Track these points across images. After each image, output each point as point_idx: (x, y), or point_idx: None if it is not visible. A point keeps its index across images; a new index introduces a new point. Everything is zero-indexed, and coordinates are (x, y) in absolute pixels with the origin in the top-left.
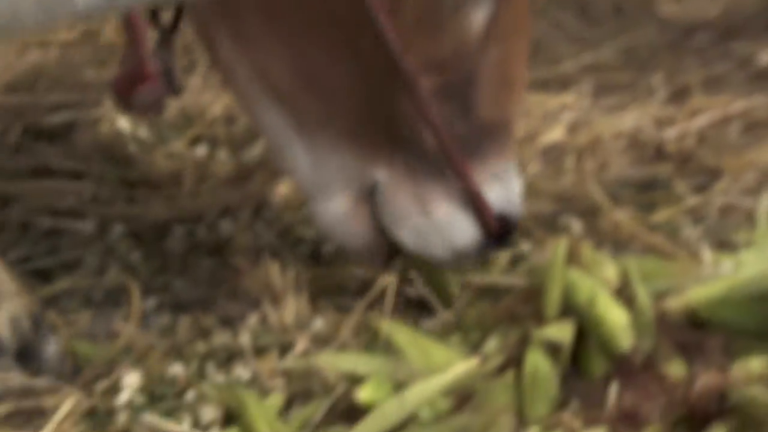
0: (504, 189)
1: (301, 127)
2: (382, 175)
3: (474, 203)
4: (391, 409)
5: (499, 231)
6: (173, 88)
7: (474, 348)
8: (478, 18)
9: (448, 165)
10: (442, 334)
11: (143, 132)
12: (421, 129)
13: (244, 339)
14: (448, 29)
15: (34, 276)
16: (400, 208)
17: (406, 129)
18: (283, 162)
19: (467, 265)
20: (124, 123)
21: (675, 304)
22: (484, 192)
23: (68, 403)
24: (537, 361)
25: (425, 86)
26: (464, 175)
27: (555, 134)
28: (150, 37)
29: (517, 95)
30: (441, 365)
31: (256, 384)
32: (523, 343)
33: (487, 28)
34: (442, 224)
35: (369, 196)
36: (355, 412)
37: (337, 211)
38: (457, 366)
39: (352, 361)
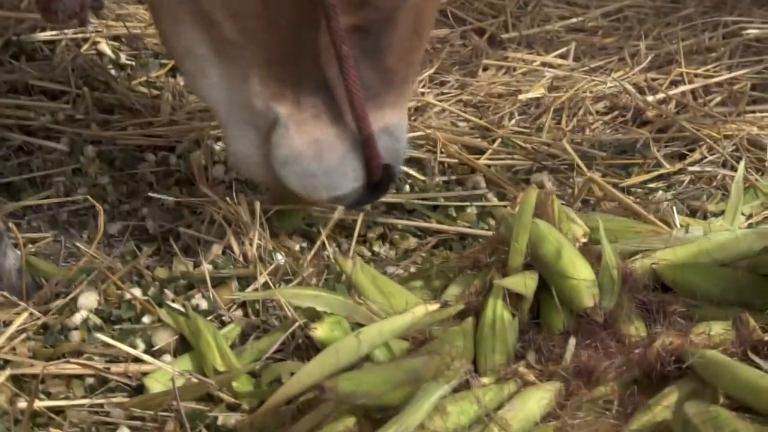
0: (394, 141)
1: (217, 51)
2: (285, 111)
3: (365, 151)
4: (346, 348)
5: (380, 181)
6: (96, 1)
7: (436, 294)
8: None
9: (351, 108)
10: (406, 279)
11: (124, 57)
12: (331, 69)
13: (206, 269)
14: None
15: (2, 191)
16: (294, 149)
17: (318, 67)
18: (199, 88)
19: (345, 208)
20: (105, 47)
21: (641, 265)
22: (378, 141)
23: (21, 318)
24: (497, 310)
25: (342, 22)
26: (362, 116)
27: (535, 92)
28: None
29: (423, 47)
30: (400, 308)
31: (213, 314)
32: (486, 291)
33: None
34: (330, 170)
35: (270, 130)
36: (310, 349)
37: (242, 145)
38: (415, 309)
39: (310, 298)
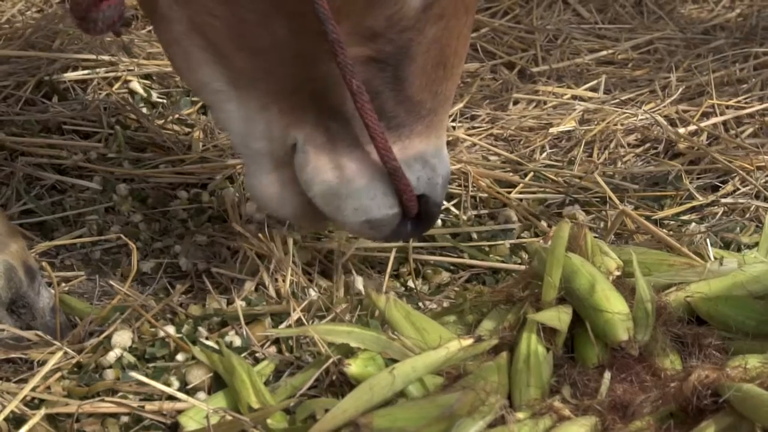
0: (428, 171)
1: (232, 84)
2: (303, 137)
3: (393, 179)
4: (380, 384)
5: (418, 212)
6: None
7: (469, 329)
8: None
9: (372, 140)
10: (439, 314)
11: (155, 95)
12: (346, 97)
13: (239, 306)
14: (379, 2)
15: (36, 230)
16: (317, 168)
17: (335, 98)
18: (218, 119)
19: (383, 239)
20: (137, 85)
21: (675, 298)
22: (404, 169)
23: (55, 358)
24: (531, 345)
25: (352, 53)
26: (383, 147)
27: (566, 125)
28: None
29: (453, 80)
30: (434, 343)
31: (247, 351)
32: (520, 326)
33: (424, 6)
34: (357, 192)
35: (290, 158)
36: (344, 385)
37: (261, 176)
38: (449, 344)
39: (344, 334)
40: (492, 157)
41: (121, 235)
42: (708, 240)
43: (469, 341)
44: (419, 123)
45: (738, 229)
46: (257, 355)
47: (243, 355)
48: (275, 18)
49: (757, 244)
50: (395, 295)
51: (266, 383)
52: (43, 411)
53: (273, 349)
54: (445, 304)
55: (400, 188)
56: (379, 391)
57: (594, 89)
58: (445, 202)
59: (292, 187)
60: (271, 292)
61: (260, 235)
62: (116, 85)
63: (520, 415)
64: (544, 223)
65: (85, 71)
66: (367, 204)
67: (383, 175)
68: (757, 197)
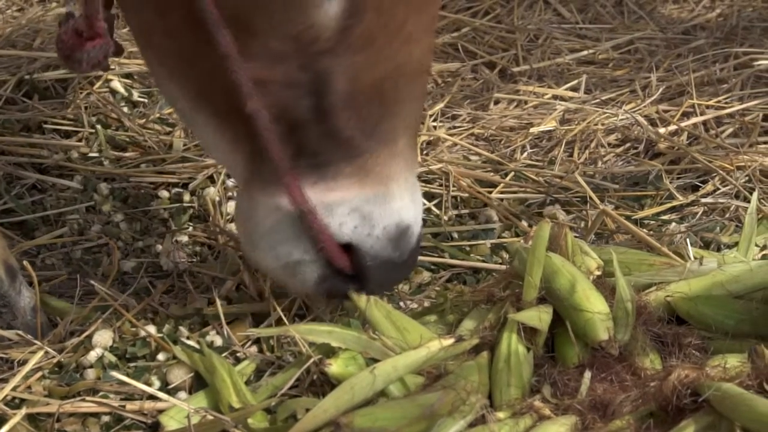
0: (357, 220)
1: (189, 103)
2: (240, 168)
3: (302, 219)
4: (361, 383)
5: (348, 263)
6: (117, 47)
7: (450, 328)
8: (327, 13)
9: (279, 174)
10: (420, 313)
11: (136, 95)
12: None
13: (219, 305)
14: (283, 18)
15: (16, 229)
16: (238, 206)
17: (253, 134)
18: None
19: (317, 293)
20: (118, 84)
21: (655, 297)
22: (324, 213)
23: (36, 357)
24: (512, 345)
25: (264, 75)
26: (287, 182)
27: (547, 125)
28: None
29: (396, 118)
30: (415, 343)
31: (228, 351)
32: (500, 326)
33: (343, 28)
34: (267, 232)
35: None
36: (325, 385)
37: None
38: (430, 344)
39: (325, 333)
40: (473, 157)
41: (102, 235)
42: (688, 240)
43: (450, 341)
44: (348, 164)
45: (718, 228)
46: (238, 354)
47: (224, 354)
48: (200, 56)
49: (736, 243)
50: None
51: (247, 383)
52: (24, 410)
53: (254, 349)
54: (426, 304)
55: (312, 232)
56: (360, 390)
57: (575, 89)
58: (426, 202)
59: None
60: (252, 291)
61: None
62: (97, 84)
63: (501, 414)
64: (524, 223)
65: (66, 70)
66: (278, 247)
67: (297, 219)
68: (737, 197)
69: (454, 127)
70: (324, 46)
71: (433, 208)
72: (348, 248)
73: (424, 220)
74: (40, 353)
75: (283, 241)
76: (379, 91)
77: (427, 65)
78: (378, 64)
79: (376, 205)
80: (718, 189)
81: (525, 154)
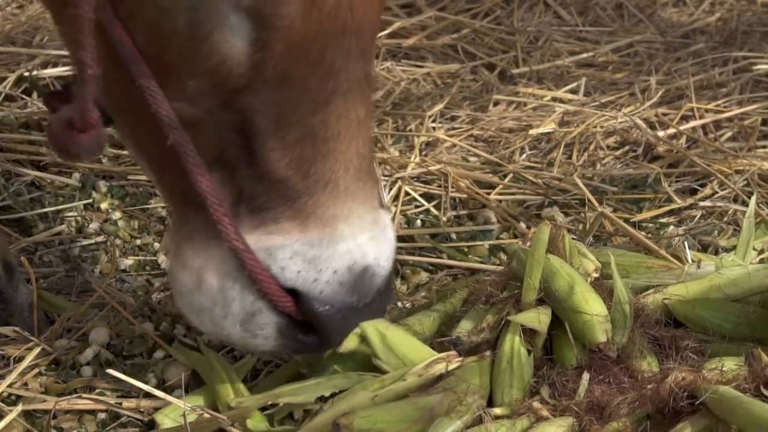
0: (301, 264)
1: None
2: (174, 221)
3: (242, 266)
4: (361, 404)
5: (293, 308)
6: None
7: (448, 328)
8: (234, 47)
9: (216, 222)
10: (412, 311)
11: None
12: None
13: None
14: (192, 53)
15: (14, 226)
16: (178, 279)
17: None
18: None
19: (280, 349)
20: None
21: (653, 300)
22: (265, 258)
23: (33, 354)
24: (514, 346)
25: (190, 114)
26: (224, 227)
27: (546, 127)
28: None
29: (334, 158)
30: (416, 363)
31: (226, 349)
32: (501, 327)
33: (255, 63)
34: (214, 296)
35: None
36: None
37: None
38: (434, 369)
39: (314, 387)
40: (472, 158)
41: (100, 232)
42: (686, 243)
43: (456, 363)
44: (287, 206)
45: (716, 232)
46: (236, 353)
47: (221, 353)
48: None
49: (734, 247)
50: None
51: (244, 381)
52: (20, 407)
53: None
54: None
55: (254, 278)
56: (360, 395)
57: (574, 91)
58: (425, 203)
59: None
60: None
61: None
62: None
63: (498, 411)
64: (523, 225)
65: (66, 67)
66: (231, 304)
67: (238, 270)
68: (735, 201)
69: (453, 128)
70: (240, 82)
71: (432, 209)
72: (296, 295)
73: (423, 221)
74: (37, 350)
75: (233, 297)
76: (309, 129)
77: (364, 95)
78: (302, 100)
79: (321, 248)
80: (717, 192)
81: (524, 156)
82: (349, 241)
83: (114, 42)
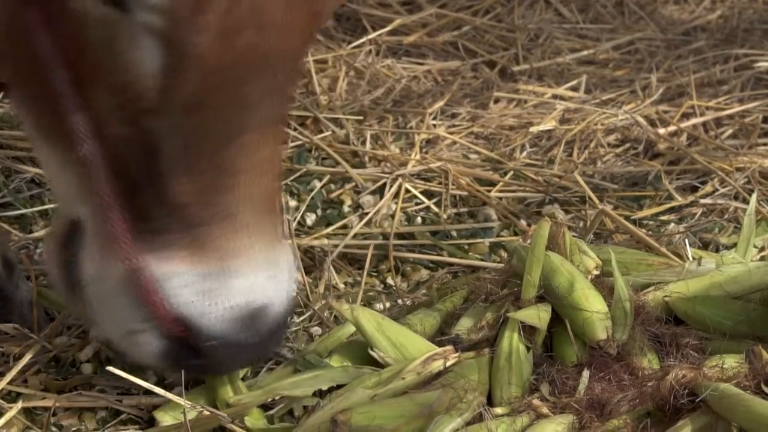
0: (193, 294)
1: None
2: (87, 211)
3: (135, 283)
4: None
5: (184, 333)
6: None
7: (448, 326)
8: (146, 68)
9: (114, 238)
10: (412, 308)
11: None
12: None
13: None
14: (105, 69)
15: (14, 223)
16: (88, 264)
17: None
18: None
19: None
20: None
21: (653, 297)
22: (162, 282)
23: (33, 351)
24: (513, 343)
25: (95, 125)
26: (118, 241)
27: (547, 124)
28: None
29: (235, 195)
30: (414, 356)
31: None
32: (500, 324)
33: (165, 87)
34: (109, 298)
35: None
36: None
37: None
38: (432, 366)
39: (310, 380)
40: (472, 156)
41: None
42: (687, 240)
43: (453, 357)
44: (185, 234)
45: (717, 229)
46: None
47: None
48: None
49: (735, 245)
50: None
51: (244, 379)
52: (20, 404)
53: None
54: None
55: (144, 300)
56: (360, 392)
57: (574, 89)
58: (425, 200)
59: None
60: None
61: None
62: None
63: (498, 410)
64: (523, 222)
65: None
66: (118, 313)
67: (132, 289)
68: (736, 198)
69: (454, 126)
70: (149, 104)
71: (432, 206)
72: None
73: (423, 219)
74: (37, 347)
75: (121, 307)
76: (214, 160)
77: (275, 134)
78: (210, 131)
79: (216, 281)
80: (717, 190)
81: (524, 153)
82: (245, 277)
83: (34, 41)
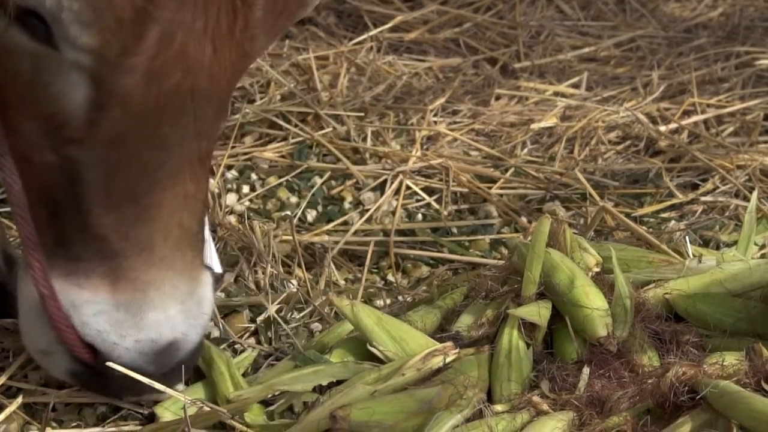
0: (102, 323)
1: None
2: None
3: (46, 308)
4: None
5: (92, 359)
6: None
7: (449, 323)
8: (72, 101)
9: (28, 264)
10: (413, 304)
11: None
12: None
13: (217, 297)
14: (30, 98)
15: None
16: (20, 282)
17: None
18: None
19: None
20: None
21: (654, 295)
22: (73, 309)
23: None
24: (512, 340)
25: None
26: (33, 266)
27: (548, 121)
28: None
29: (152, 227)
30: (414, 352)
31: (227, 343)
32: (500, 321)
33: (90, 120)
34: (26, 316)
35: None
36: None
37: None
38: (432, 362)
39: (311, 375)
40: (473, 153)
41: None
42: (687, 237)
43: (453, 354)
44: (101, 263)
45: (717, 227)
46: (236, 346)
47: (222, 346)
48: None
49: (736, 242)
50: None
51: (244, 375)
52: (20, 399)
53: (252, 341)
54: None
55: (54, 326)
56: (360, 388)
57: (576, 86)
58: (426, 197)
59: None
60: (250, 283)
61: (240, 226)
62: None
63: (499, 407)
64: (524, 219)
65: None
66: (32, 332)
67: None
68: (736, 196)
69: (455, 123)
70: (73, 134)
71: (433, 203)
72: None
73: (424, 215)
74: None
75: (35, 327)
76: (133, 194)
77: (195, 172)
78: (130, 165)
79: (128, 313)
80: (718, 188)
81: (525, 150)
82: (158, 311)
83: None
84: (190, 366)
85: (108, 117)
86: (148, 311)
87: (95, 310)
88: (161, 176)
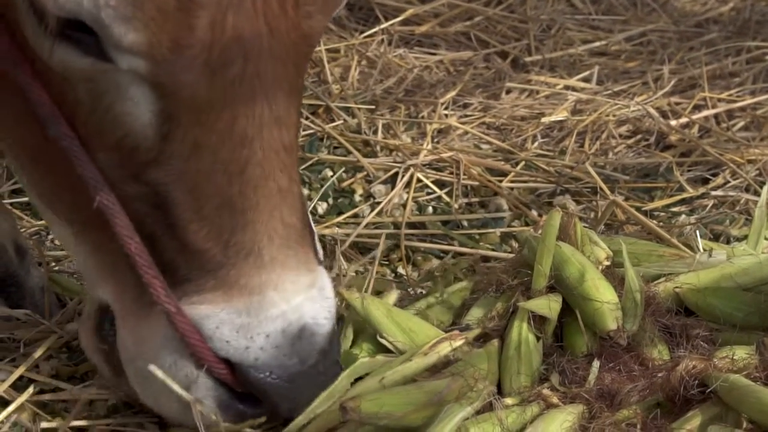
0: (228, 333)
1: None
2: (112, 302)
3: (181, 336)
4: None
5: (229, 376)
6: None
7: (457, 316)
8: (138, 119)
9: (146, 284)
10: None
11: None
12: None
13: None
14: (99, 124)
15: (26, 209)
16: (123, 346)
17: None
18: None
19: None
20: None
21: (664, 288)
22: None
23: (49, 341)
24: (522, 333)
25: (116, 185)
26: (155, 289)
27: (559, 115)
28: None
29: (254, 229)
30: (423, 343)
31: None
32: (510, 314)
33: (163, 134)
34: (148, 354)
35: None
36: None
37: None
38: (440, 349)
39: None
40: (484, 146)
41: None
42: (697, 232)
43: (460, 341)
44: (209, 277)
45: (727, 221)
46: None
47: None
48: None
49: (746, 236)
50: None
51: None
52: (30, 390)
53: None
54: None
55: (186, 342)
56: (368, 381)
57: (587, 80)
58: (437, 190)
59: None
60: None
61: None
62: None
63: (509, 401)
64: (534, 212)
65: None
66: (161, 365)
67: (174, 340)
68: (747, 190)
69: (466, 116)
70: (148, 155)
71: (444, 196)
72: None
73: (435, 208)
74: (54, 337)
75: (167, 363)
76: (225, 200)
77: (283, 163)
78: (215, 171)
79: (250, 316)
80: (729, 182)
81: (536, 144)
82: (281, 305)
83: (31, 100)
84: (332, 359)
85: (179, 124)
86: (270, 308)
87: (216, 323)
88: (249, 175)
